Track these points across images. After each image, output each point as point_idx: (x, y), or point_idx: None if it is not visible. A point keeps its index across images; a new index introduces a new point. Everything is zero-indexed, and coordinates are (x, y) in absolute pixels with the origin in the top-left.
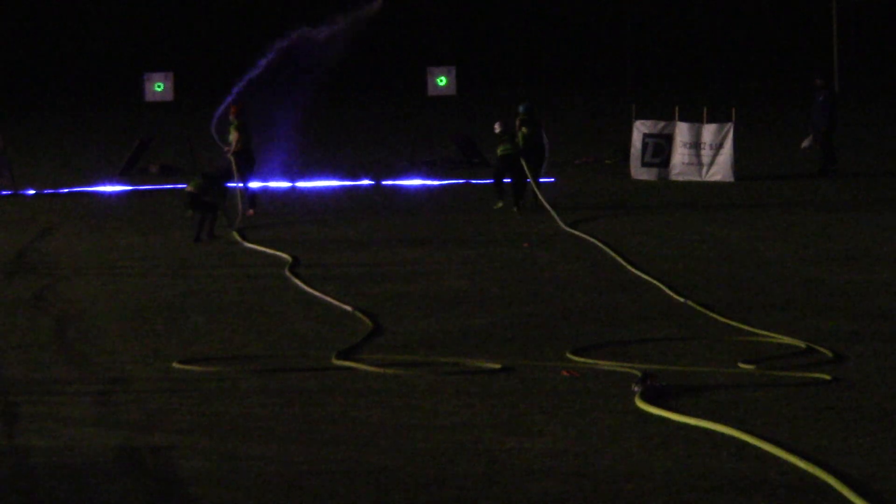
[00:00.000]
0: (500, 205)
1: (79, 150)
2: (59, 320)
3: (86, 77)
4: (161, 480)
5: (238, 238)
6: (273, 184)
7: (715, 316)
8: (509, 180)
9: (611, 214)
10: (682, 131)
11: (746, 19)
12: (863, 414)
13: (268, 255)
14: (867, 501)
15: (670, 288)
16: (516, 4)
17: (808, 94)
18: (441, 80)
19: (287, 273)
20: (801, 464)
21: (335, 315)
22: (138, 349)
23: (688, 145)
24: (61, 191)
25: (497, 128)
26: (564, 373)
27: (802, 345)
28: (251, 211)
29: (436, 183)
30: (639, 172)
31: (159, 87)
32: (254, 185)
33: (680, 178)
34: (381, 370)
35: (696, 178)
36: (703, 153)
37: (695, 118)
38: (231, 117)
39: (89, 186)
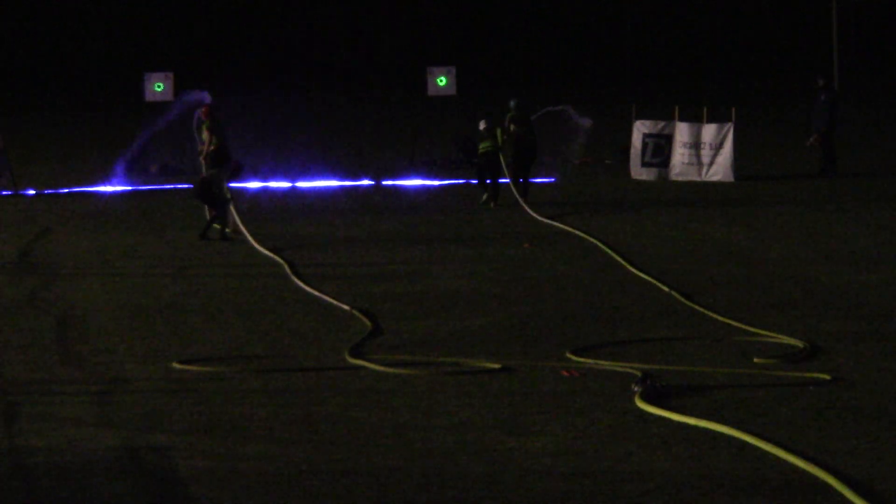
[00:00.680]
0: (485, 198)
1: (79, 151)
2: (60, 320)
3: (86, 77)
4: (161, 480)
5: (235, 236)
6: (273, 184)
7: (715, 316)
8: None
9: (611, 214)
10: (681, 131)
11: (746, 19)
12: (863, 414)
13: (267, 256)
14: (867, 501)
15: (661, 282)
16: (516, 4)
17: (808, 94)
18: (441, 80)
19: (287, 272)
20: (801, 464)
21: (335, 315)
22: (138, 349)
23: (688, 145)
24: (61, 191)
25: (482, 125)
26: (564, 373)
27: (802, 345)
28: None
29: (436, 183)
30: (639, 172)
31: (159, 87)
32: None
33: (680, 178)
34: (392, 370)
35: (695, 178)
36: (703, 153)
37: (695, 118)
38: (203, 118)
39: (93, 186)
